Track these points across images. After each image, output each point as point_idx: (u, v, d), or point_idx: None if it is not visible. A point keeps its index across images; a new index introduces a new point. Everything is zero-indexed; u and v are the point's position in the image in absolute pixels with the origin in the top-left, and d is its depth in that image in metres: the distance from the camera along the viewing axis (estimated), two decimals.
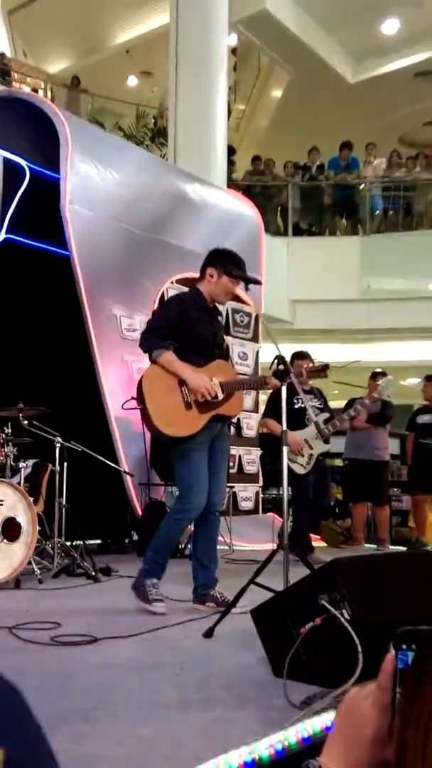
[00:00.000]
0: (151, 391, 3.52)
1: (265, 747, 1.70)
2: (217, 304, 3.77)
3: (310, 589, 2.32)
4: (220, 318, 3.97)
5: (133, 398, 4.20)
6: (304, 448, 5.67)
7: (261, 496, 8.23)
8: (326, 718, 1.89)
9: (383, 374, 7.07)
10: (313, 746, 1.80)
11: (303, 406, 5.68)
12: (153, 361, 3.56)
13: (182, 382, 3.54)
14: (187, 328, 3.59)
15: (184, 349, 3.59)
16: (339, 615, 2.20)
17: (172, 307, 3.71)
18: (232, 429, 7.46)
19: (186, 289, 4.92)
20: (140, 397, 3.56)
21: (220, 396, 3.57)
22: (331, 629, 2.23)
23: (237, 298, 7.80)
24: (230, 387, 3.64)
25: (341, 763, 0.80)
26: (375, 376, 7.10)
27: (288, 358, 3.82)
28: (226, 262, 3.64)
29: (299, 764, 0.84)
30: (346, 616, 2.21)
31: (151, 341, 3.56)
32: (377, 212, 11.61)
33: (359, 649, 2.12)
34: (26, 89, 12.46)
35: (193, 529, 3.82)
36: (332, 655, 2.25)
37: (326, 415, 5.84)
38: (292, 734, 1.79)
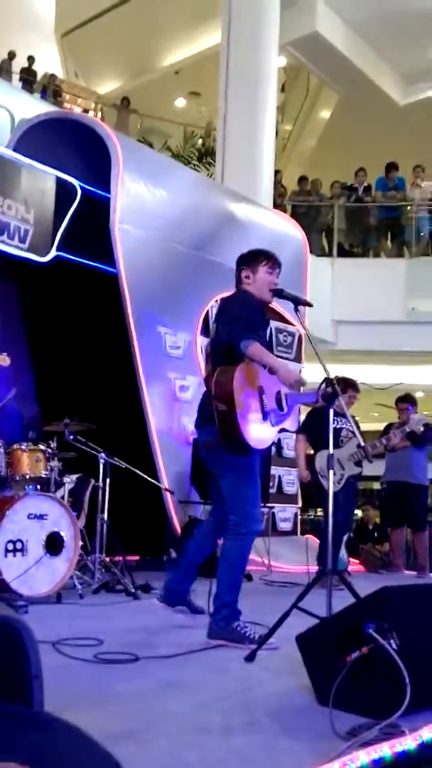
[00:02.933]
0: (240, 394, 3.23)
1: None
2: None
3: (358, 617, 2.30)
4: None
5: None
6: (337, 467, 5.67)
7: (300, 517, 8.17)
8: (373, 751, 1.87)
9: (409, 399, 6.99)
10: None
11: (339, 426, 5.70)
12: (241, 352, 3.25)
13: (262, 390, 3.34)
14: (253, 328, 3.39)
15: (229, 362, 3.35)
16: (387, 645, 2.17)
17: (244, 302, 3.49)
18: (273, 449, 7.44)
19: None
20: (224, 398, 3.22)
21: (286, 409, 3.52)
22: (378, 659, 2.20)
23: (281, 318, 7.82)
24: (294, 401, 3.55)
25: None
26: (398, 401, 7.04)
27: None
28: (255, 257, 3.55)
29: None
30: (394, 647, 2.18)
31: (238, 331, 3.26)
32: (423, 234, 11.53)
33: (407, 680, 2.09)
34: (77, 110, 12.74)
35: (195, 535, 3.75)
36: (379, 685, 2.22)
37: (359, 440, 5.84)
38: (340, 766, 1.77)
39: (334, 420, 5.52)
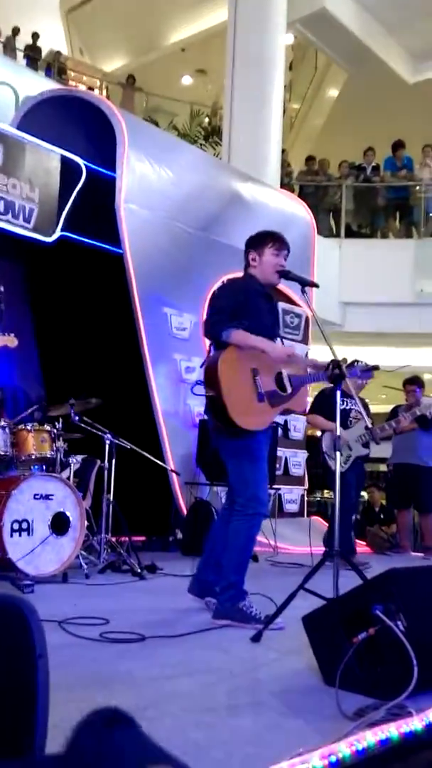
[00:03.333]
0: (227, 378, 3.24)
1: (319, 758, 1.67)
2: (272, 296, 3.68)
3: (364, 599, 2.29)
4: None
5: (197, 383, 3.74)
6: (344, 448, 5.66)
7: (306, 498, 8.18)
8: (380, 732, 1.86)
9: (417, 381, 6.96)
10: (367, 759, 1.77)
11: (348, 407, 5.69)
12: (224, 343, 3.29)
13: (255, 372, 3.33)
14: (249, 314, 3.37)
15: (217, 347, 3.38)
16: (394, 626, 2.16)
17: (234, 291, 3.49)
18: (279, 431, 7.43)
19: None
20: (212, 383, 3.26)
21: (290, 389, 3.50)
22: (385, 640, 2.19)
23: (288, 300, 7.77)
24: (300, 381, 3.51)
25: None
26: (406, 383, 7.02)
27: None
28: (262, 239, 3.52)
29: None
30: (402, 628, 2.17)
31: (217, 325, 3.30)
32: None
33: (414, 661, 2.08)
34: (82, 87, 12.62)
35: (216, 523, 3.70)
36: (386, 666, 2.21)
37: (370, 421, 5.86)
38: (346, 746, 1.76)
39: (342, 401, 5.56)
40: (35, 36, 13.06)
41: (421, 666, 2.06)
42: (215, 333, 3.33)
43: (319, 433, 8.42)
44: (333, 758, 1.76)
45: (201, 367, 3.56)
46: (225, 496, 3.83)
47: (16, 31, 12.65)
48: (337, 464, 3.31)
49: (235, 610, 3.27)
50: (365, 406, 6.13)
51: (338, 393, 3.37)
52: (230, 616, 3.27)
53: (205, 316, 3.54)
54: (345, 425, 5.72)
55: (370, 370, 3.75)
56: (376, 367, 3.71)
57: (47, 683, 1.26)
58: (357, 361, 4.08)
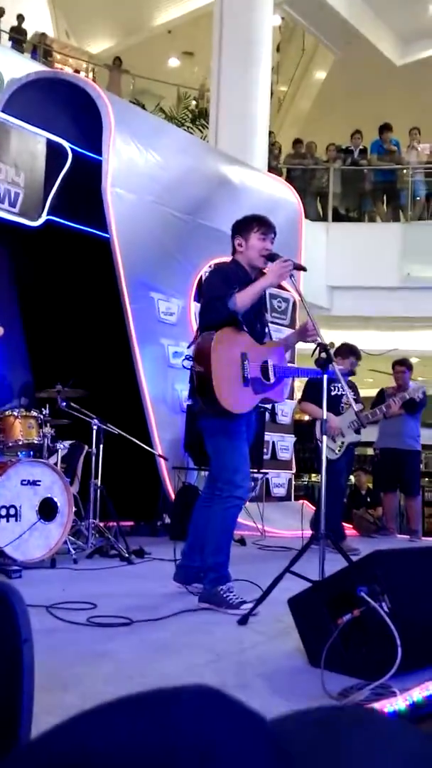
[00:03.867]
0: (217, 356, 3.27)
1: None
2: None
3: (349, 581, 2.31)
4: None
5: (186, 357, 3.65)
6: (338, 435, 5.69)
7: (293, 483, 8.22)
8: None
9: (406, 363, 7.01)
10: None
11: (339, 393, 5.70)
12: (235, 311, 3.30)
13: (244, 356, 3.36)
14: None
15: (210, 328, 3.36)
16: (378, 608, 2.19)
17: (227, 274, 3.48)
18: (267, 415, 7.45)
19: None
20: (201, 360, 3.29)
21: (273, 379, 3.52)
22: (369, 621, 2.22)
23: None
24: (284, 373, 3.55)
25: None
26: (395, 366, 7.06)
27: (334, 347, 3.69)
28: (248, 224, 3.53)
29: None
30: (386, 609, 2.20)
31: (221, 300, 3.30)
32: (419, 198, 11.41)
33: (398, 642, 2.11)
34: (68, 70, 12.47)
35: (201, 507, 3.66)
36: (370, 647, 2.24)
37: (361, 405, 5.89)
38: None
39: (334, 387, 5.57)
40: (20, 18, 12.87)
41: (405, 647, 2.09)
42: (222, 310, 3.30)
43: (306, 418, 8.45)
44: None
45: (189, 347, 3.57)
46: (205, 481, 3.84)
47: (0, 12, 12.47)
48: (323, 448, 3.32)
49: (213, 593, 3.30)
50: (355, 390, 6.15)
51: (325, 378, 3.38)
52: (209, 599, 3.31)
53: (203, 302, 3.54)
54: (337, 412, 5.72)
55: (300, 268, 3.62)
56: (303, 268, 3.64)
57: (32, 668, 1.27)
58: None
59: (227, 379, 3.30)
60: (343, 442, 5.76)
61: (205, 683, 0.63)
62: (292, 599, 2.53)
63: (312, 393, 5.84)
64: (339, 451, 5.73)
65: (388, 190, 11.57)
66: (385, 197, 11.64)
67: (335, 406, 5.70)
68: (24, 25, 12.96)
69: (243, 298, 3.32)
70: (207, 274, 3.68)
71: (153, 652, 2.57)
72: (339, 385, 5.22)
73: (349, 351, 6.00)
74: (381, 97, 13.14)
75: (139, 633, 2.82)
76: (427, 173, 11.36)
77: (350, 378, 6.23)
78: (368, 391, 8.00)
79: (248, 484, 3.50)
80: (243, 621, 3.00)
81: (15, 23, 12.80)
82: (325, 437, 3.35)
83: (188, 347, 3.58)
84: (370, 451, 8.20)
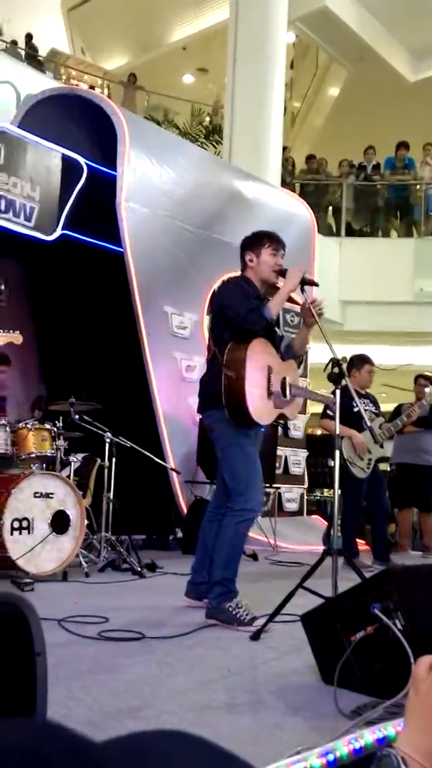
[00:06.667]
0: (252, 366, 3.30)
1: (316, 756, 1.68)
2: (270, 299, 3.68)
3: (363, 597, 2.29)
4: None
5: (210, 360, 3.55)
6: (364, 452, 5.66)
7: (306, 498, 8.18)
8: (378, 730, 1.87)
9: (427, 378, 6.98)
10: (365, 758, 1.77)
11: (360, 409, 5.65)
12: (270, 321, 3.35)
13: (270, 369, 3.39)
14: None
15: (243, 338, 3.35)
16: (392, 625, 2.17)
17: (244, 288, 3.47)
18: (279, 429, 7.43)
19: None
20: (235, 365, 3.28)
21: (289, 396, 3.54)
22: (383, 639, 2.20)
23: (288, 298, 7.76)
24: (298, 392, 3.59)
25: (427, 756, 0.78)
26: (418, 379, 7.03)
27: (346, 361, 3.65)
28: (259, 240, 3.54)
29: None
30: (399, 626, 2.18)
31: (254, 312, 3.30)
32: None
33: (412, 660, 2.08)
34: (83, 86, 12.60)
35: (209, 522, 3.64)
36: (384, 664, 2.22)
37: (381, 420, 5.86)
38: (344, 745, 1.77)
39: (354, 403, 5.50)
40: (29, 36, 13.03)
41: None
42: (258, 320, 3.31)
43: (319, 432, 8.42)
44: (331, 756, 1.77)
45: (207, 361, 3.56)
46: (212, 496, 3.82)
47: (17, 29, 12.64)
48: (336, 462, 3.30)
49: (221, 609, 3.24)
50: (375, 403, 6.12)
51: (338, 392, 3.38)
52: (215, 615, 3.25)
53: (217, 314, 3.52)
54: (360, 428, 5.65)
55: (312, 283, 3.64)
56: (315, 283, 3.67)
57: (46, 681, 1.27)
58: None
59: (255, 389, 3.32)
60: (370, 459, 5.72)
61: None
62: (305, 615, 2.51)
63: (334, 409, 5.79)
64: (368, 469, 5.69)
65: (401, 206, 11.59)
66: (398, 213, 11.65)
67: (357, 422, 5.62)
68: (40, 42, 13.12)
69: (274, 305, 3.37)
70: (219, 289, 3.67)
71: (164, 667, 2.55)
72: (362, 400, 5.16)
73: (360, 360, 5.95)
74: (394, 113, 13.18)
75: (151, 647, 2.81)
76: None
77: (370, 391, 6.20)
78: (383, 406, 7.96)
79: (261, 497, 3.49)
80: (255, 637, 2.98)
81: (32, 40, 12.97)
82: (336, 451, 3.32)
83: (208, 361, 3.57)
84: (384, 466, 8.15)
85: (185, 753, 0.61)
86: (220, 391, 3.32)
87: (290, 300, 7.81)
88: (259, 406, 3.33)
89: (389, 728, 1.99)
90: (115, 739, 0.63)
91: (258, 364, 3.35)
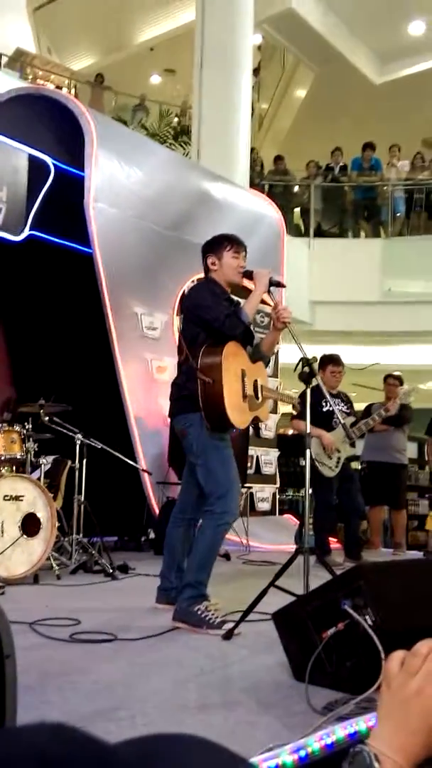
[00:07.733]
0: (227, 370, 3.29)
1: (288, 753, 1.69)
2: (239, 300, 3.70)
3: (333, 594, 2.31)
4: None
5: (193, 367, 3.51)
6: (333, 452, 5.70)
7: (278, 497, 8.22)
8: (349, 725, 1.88)
9: (396, 377, 7.05)
10: (336, 753, 1.79)
11: (330, 409, 5.69)
12: (246, 323, 3.38)
13: (244, 373, 3.41)
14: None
15: (216, 342, 3.35)
16: (362, 621, 2.19)
17: (214, 291, 3.48)
18: (251, 430, 7.45)
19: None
20: (211, 371, 3.28)
21: (260, 399, 3.56)
22: (353, 635, 2.22)
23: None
24: (268, 394, 3.62)
25: (399, 752, 0.80)
26: (388, 378, 7.10)
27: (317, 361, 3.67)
28: (219, 243, 3.54)
29: None
30: (369, 622, 2.20)
31: (230, 317, 3.33)
32: (399, 214, 11.55)
33: (382, 655, 2.11)
34: (50, 86, 12.50)
35: (174, 527, 3.64)
36: (354, 660, 2.24)
37: (353, 418, 5.90)
38: (315, 740, 1.78)
39: (325, 402, 5.55)
40: None
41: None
42: (237, 325, 3.34)
43: (290, 432, 8.46)
44: (302, 752, 1.78)
45: (181, 362, 3.53)
46: (177, 501, 3.78)
47: None
48: (307, 461, 3.32)
49: (190, 613, 3.20)
50: (347, 402, 6.16)
51: (308, 392, 3.41)
52: (183, 617, 3.21)
53: (190, 317, 3.50)
54: (330, 427, 5.71)
55: (279, 285, 3.71)
56: (282, 284, 3.73)
57: (15, 684, 1.26)
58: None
59: (233, 394, 3.32)
60: (339, 458, 5.76)
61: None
62: (276, 613, 2.53)
63: (303, 410, 5.82)
64: (336, 467, 5.74)
65: (368, 207, 11.70)
66: (365, 213, 11.76)
67: (327, 422, 5.68)
68: (5, 42, 12.98)
69: (248, 309, 3.39)
70: (190, 290, 3.66)
71: (137, 668, 2.55)
72: (326, 400, 5.16)
73: (324, 361, 5.94)
74: (360, 114, 13.31)
75: (123, 649, 2.81)
76: (406, 190, 11.50)
77: (344, 390, 6.24)
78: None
79: (238, 500, 3.49)
80: (227, 636, 2.99)
81: None
82: (307, 450, 3.34)
83: (180, 363, 3.54)
84: (355, 465, 8.21)
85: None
86: (194, 395, 3.30)
87: (261, 301, 7.86)
88: (237, 411, 3.33)
89: (360, 723, 2.01)
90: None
91: (232, 368, 3.36)
